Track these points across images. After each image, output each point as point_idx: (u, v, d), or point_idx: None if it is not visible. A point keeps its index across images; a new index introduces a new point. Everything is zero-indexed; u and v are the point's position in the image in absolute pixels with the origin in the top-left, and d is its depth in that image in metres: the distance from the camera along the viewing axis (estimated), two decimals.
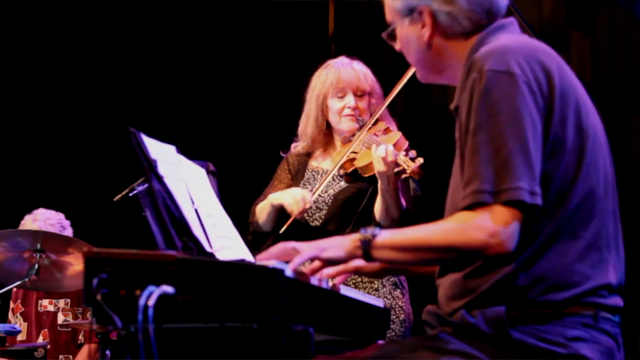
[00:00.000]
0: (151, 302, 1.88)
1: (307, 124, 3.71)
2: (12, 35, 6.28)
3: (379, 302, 2.63)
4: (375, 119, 3.56)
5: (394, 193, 3.40)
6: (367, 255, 2.07)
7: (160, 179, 2.18)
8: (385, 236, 2.06)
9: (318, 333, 2.09)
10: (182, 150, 2.45)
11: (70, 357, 4.95)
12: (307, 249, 2.14)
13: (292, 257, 2.12)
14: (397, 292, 3.56)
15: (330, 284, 2.32)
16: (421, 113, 5.76)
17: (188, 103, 6.24)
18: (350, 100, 3.62)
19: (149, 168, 2.18)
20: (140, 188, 3.21)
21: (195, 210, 2.30)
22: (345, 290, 2.39)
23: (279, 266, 1.92)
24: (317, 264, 2.17)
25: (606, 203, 2.07)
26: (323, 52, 5.94)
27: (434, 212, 2.42)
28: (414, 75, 6.06)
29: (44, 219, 4.99)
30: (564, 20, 5.24)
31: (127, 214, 3.70)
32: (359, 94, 3.64)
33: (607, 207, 2.07)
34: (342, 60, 3.73)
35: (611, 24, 5.14)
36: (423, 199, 5.56)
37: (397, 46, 2.28)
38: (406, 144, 3.49)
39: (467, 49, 2.13)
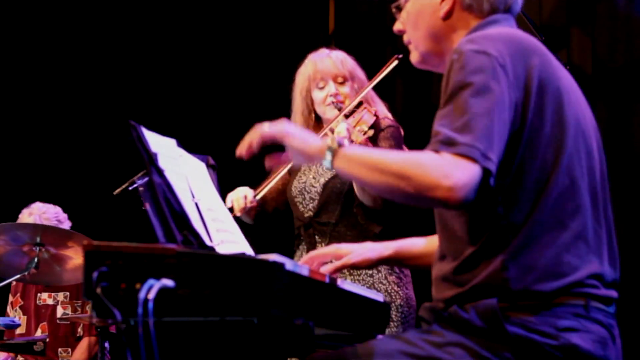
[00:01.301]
0: (151, 295, 1.87)
1: (295, 120, 3.74)
2: (13, 30, 6.28)
3: (379, 297, 2.63)
4: (353, 105, 3.55)
5: None
6: (328, 161, 2.09)
7: (160, 172, 2.18)
8: (350, 150, 2.08)
9: (318, 327, 2.09)
10: (182, 144, 2.45)
11: (70, 350, 4.95)
12: (285, 127, 2.21)
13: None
14: (393, 277, 3.56)
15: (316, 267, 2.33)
16: (421, 111, 5.75)
17: (189, 99, 6.25)
18: (330, 88, 3.63)
19: (149, 161, 2.18)
20: (140, 181, 3.22)
21: (196, 204, 2.30)
22: (345, 285, 2.39)
23: (279, 260, 1.92)
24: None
25: (593, 194, 2.07)
26: None
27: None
28: (412, 73, 6.12)
29: (40, 213, 4.98)
30: (565, 15, 5.24)
31: (127, 208, 3.70)
32: (340, 80, 3.66)
33: (596, 199, 2.08)
34: (321, 51, 3.76)
35: (611, 19, 5.13)
36: None
37: (397, 25, 2.31)
38: (372, 119, 3.49)
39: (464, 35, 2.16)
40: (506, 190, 1.98)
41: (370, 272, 3.55)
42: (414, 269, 2.49)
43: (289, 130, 2.20)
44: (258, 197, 3.60)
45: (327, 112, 3.65)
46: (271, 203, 3.78)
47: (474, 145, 1.90)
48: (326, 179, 3.65)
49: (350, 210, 3.58)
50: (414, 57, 2.31)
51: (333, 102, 3.60)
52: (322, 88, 3.66)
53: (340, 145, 2.08)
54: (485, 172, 1.92)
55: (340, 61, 3.68)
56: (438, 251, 2.17)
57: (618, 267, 2.12)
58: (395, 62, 3.53)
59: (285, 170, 3.63)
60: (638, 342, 4.23)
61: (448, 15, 2.20)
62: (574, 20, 5.22)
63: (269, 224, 3.75)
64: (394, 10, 2.32)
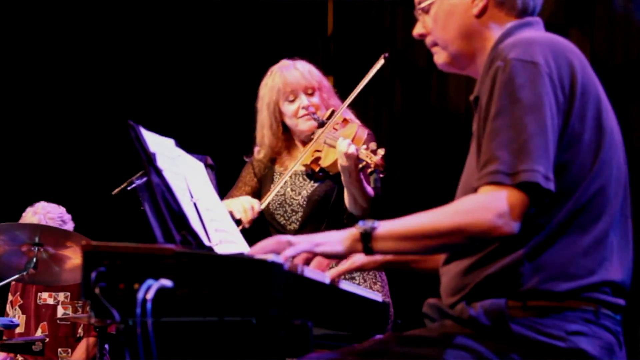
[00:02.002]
0: (150, 295, 1.87)
1: (263, 134, 3.72)
2: (13, 31, 6.28)
3: (377, 297, 2.63)
4: (333, 116, 3.56)
5: (358, 185, 3.39)
6: (367, 249, 2.03)
7: (159, 172, 2.18)
8: (387, 226, 2.03)
9: (317, 327, 2.09)
10: (180, 143, 2.44)
11: (69, 350, 4.94)
12: (301, 242, 2.09)
13: (285, 249, 2.10)
14: (377, 286, 3.57)
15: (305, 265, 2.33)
16: (420, 112, 5.75)
17: (188, 99, 6.24)
18: (303, 100, 3.62)
19: (147, 161, 2.18)
20: (139, 181, 3.21)
21: (194, 204, 2.29)
22: (344, 285, 2.39)
23: (277, 260, 1.92)
24: (308, 255, 2.15)
25: (617, 202, 2.07)
26: (322, 52, 5.93)
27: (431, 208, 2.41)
28: (411, 74, 6.06)
29: (44, 212, 4.97)
30: (563, 15, 5.24)
31: (126, 208, 3.70)
32: (309, 92, 3.64)
33: (617, 207, 2.07)
34: (284, 63, 3.72)
35: (610, 19, 5.14)
36: (421, 196, 5.56)
37: (418, 29, 2.28)
38: (365, 133, 3.50)
39: (497, 36, 2.15)
40: None
41: (356, 281, 3.55)
42: (420, 272, 2.47)
43: (312, 242, 2.10)
44: (263, 206, 3.58)
45: (300, 124, 3.64)
46: None
47: (534, 169, 1.91)
48: (308, 191, 3.65)
49: (337, 221, 3.59)
50: (442, 58, 2.27)
51: (312, 115, 3.60)
52: (292, 101, 3.64)
53: (373, 228, 2.02)
54: (547, 192, 1.93)
55: (308, 72, 3.67)
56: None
57: (630, 273, 2.11)
58: (382, 62, 3.54)
59: (286, 179, 3.63)
60: (638, 342, 4.22)
61: (482, 12, 2.19)
62: (572, 20, 5.22)
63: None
64: (419, 12, 2.29)
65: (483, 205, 1.93)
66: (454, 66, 2.28)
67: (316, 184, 3.64)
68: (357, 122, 3.65)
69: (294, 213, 3.65)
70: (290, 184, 3.69)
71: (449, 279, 2.11)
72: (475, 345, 1.98)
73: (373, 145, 3.31)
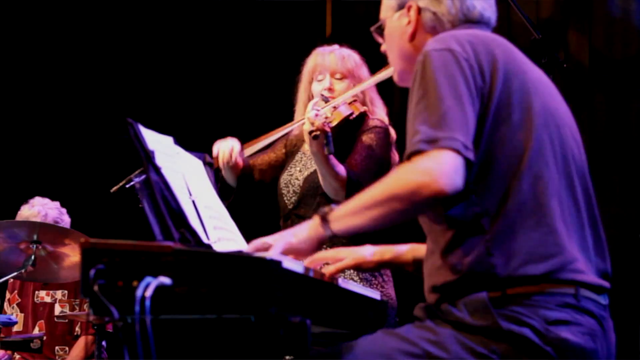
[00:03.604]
0: (148, 293, 1.87)
1: (297, 109, 3.79)
2: (12, 28, 6.27)
3: (375, 295, 2.63)
4: (342, 99, 3.58)
5: (322, 158, 3.40)
6: (328, 232, 2.11)
7: (157, 170, 2.18)
8: (339, 208, 2.11)
9: (315, 325, 2.09)
10: (179, 141, 2.45)
11: (67, 348, 4.94)
12: (278, 240, 2.17)
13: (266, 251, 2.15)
14: (378, 280, 3.55)
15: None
16: None
17: (187, 97, 6.24)
18: (326, 82, 3.68)
19: (146, 159, 2.18)
20: (137, 179, 3.20)
21: (193, 202, 2.30)
22: (342, 283, 2.39)
23: (276, 258, 1.92)
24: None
25: (569, 181, 2.09)
26: None
27: None
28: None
29: (42, 204, 4.98)
30: (561, 11, 5.25)
31: (125, 205, 3.70)
32: (338, 77, 3.70)
33: (571, 186, 2.09)
34: (329, 47, 3.80)
35: (608, 14, 5.15)
36: None
37: (383, 46, 2.38)
38: (348, 112, 3.53)
39: None
40: (477, 176, 2.02)
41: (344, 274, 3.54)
42: (416, 274, 2.49)
43: (288, 237, 2.18)
44: (246, 154, 3.63)
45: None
46: (259, 172, 3.81)
47: (453, 137, 1.96)
48: (309, 173, 3.67)
49: (327, 204, 3.59)
50: (394, 77, 2.38)
51: (322, 95, 3.63)
52: (320, 81, 3.71)
53: (330, 209, 2.12)
54: (467, 162, 1.97)
55: (342, 57, 3.73)
56: (427, 248, 2.18)
57: (608, 259, 2.13)
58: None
59: (281, 134, 3.66)
60: (638, 342, 4.23)
61: (413, 37, 2.27)
62: (570, 17, 5.23)
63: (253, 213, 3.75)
64: (373, 31, 2.39)
65: (408, 169, 1.98)
66: (405, 83, 2.33)
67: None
68: (377, 112, 3.69)
69: (294, 194, 3.68)
70: (301, 165, 3.73)
71: (426, 278, 2.15)
72: (464, 340, 2.00)
73: (329, 113, 3.39)
